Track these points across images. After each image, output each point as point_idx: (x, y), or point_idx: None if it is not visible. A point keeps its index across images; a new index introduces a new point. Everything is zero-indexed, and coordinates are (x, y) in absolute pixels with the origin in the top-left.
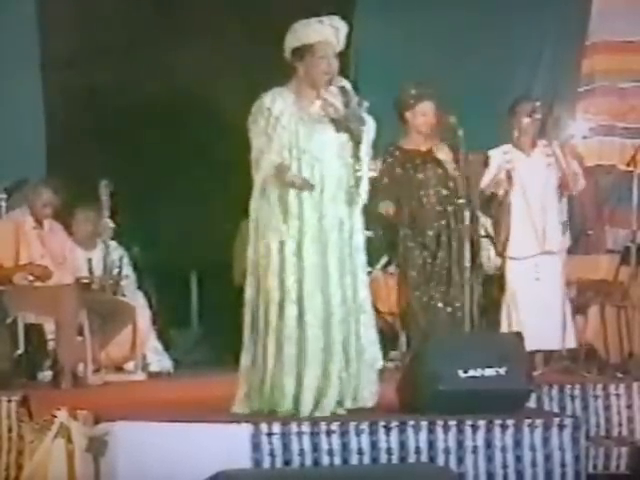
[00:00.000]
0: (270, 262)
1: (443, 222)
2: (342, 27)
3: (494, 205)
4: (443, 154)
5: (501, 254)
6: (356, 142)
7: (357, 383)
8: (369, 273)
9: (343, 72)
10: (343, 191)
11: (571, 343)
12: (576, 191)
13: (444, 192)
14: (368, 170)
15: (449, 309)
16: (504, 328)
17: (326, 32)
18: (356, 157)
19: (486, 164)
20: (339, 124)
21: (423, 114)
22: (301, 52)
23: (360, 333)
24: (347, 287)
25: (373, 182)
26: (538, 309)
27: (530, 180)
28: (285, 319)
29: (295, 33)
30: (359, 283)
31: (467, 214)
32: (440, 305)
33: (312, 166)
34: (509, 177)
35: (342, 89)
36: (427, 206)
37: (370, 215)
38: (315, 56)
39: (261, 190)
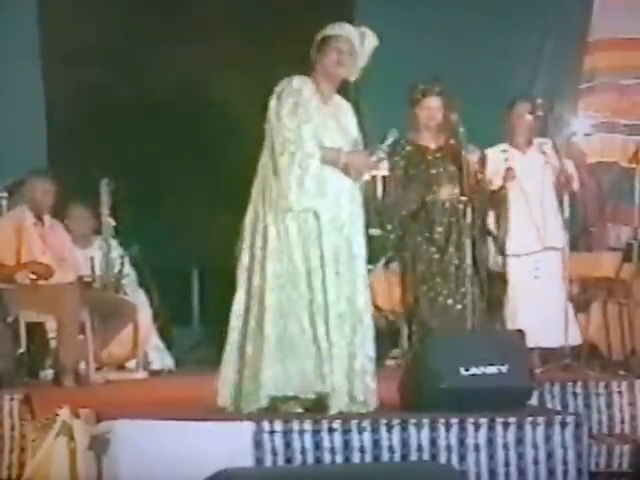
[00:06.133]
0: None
1: (453, 219)
2: (369, 36)
3: (493, 203)
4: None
5: (501, 251)
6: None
7: (350, 388)
8: (369, 271)
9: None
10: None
11: (575, 340)
12: (570, 191)
13: (455, 189)
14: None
15: (458, 306)
16: (509, 326)
17: (349, 31)
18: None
19: (483, 163)
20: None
21: (428, 108)
22: (321, 45)
23: (354, 341)
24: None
25: (385, 179)
26: (540, 307)
27: (527, 177)
28: (250, 318)
29: (324, 29)
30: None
31: (469, 211)
32: (449, 302)
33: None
34: (508, 175)
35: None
36: (437, 202)
37: (380, 212)
38: (330, 46)
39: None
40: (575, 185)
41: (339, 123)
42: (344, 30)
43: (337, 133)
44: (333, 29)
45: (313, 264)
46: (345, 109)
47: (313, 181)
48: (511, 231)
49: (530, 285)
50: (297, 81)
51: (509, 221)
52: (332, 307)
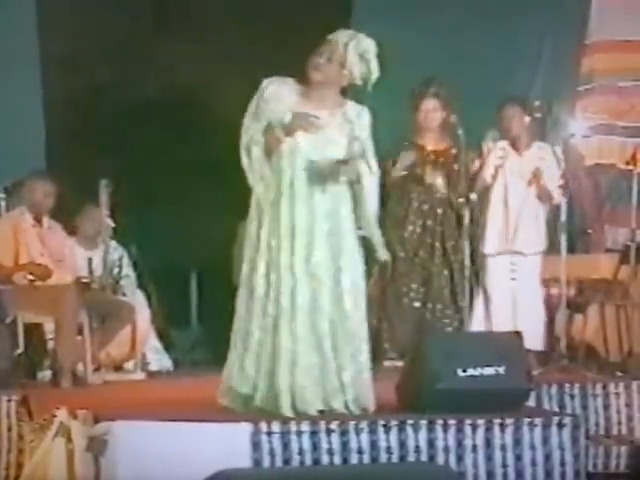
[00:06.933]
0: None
1: (429, 222)
2: (356, 41)
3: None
4: (434, 179)
5: (476, 249)
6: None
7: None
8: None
9: None
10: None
11: (538, 346)
12: (549, 204)
13: (437, 194)
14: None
15: (421, 308)
16: (477, 326)
17: (336, 36)
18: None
19: (479, 155)
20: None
21: (425, 110)
22: None
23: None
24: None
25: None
26: (512, 309)
27: (515, 179)
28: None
29: None
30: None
31: (467, 213)
32: (415, 304)
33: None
34: (495, 173)
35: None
36: (414, 202)
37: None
38: (316, 50)
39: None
40: (556, 199)
41: (333, 130)
42: (333, 35)
43: (319, 138)
44: (332, 34)
45: (272, 264)
46: (350, 116)
47: (258, 167)
48: (486, 228)
49: (506, 286)
50: (265, 81)
51: (486, 218)
52: (294, 312)
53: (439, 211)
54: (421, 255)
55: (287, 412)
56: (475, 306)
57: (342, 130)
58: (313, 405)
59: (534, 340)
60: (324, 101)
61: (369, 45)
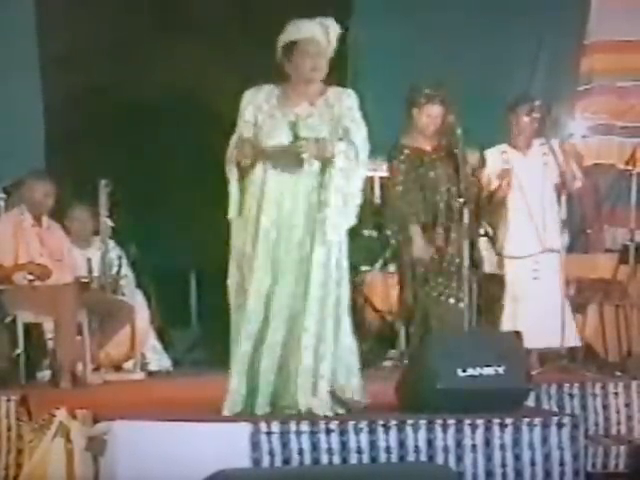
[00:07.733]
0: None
1: (451, 220)
2: (332, 26)
3: (492, 204)
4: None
5: (499, 253)
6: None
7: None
8: (364, 272)
9: (341, 73)
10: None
11: (572, 341)
12: (573, 190)
13: (453, 190)
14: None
15: (461, 305)
16: (508, 327)
17: (314, 29)
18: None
19: (483, 164)
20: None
21: (428, 115)
22: (289, 49)
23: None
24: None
25: (385, 183)
26: (538, 308)
27: (527, 179)
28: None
29: (285, 32)
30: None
31: (466, 213)
32: (451, 301)
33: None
34: (504, 176)
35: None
36: (438, 204)
37: (378, 214)
38: (300, 51)
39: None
40: (578, 183)
41: (314, 119)
42: (310, 32)
43: (308, 131)
44: (299, 32)
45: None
46: (331, 101)
47: (237, 185)
48: (510, 233)
49: (529, 286)
50: (246, 92)
51: (508, 223)
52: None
53: (458, 207)
54: (450, 252)
55: (226, 412)
56: (503, 306)
57: (323, 116)
58: (261, 406)
59: (557, 337)
60: (305, 94)
61: (334, 22)
